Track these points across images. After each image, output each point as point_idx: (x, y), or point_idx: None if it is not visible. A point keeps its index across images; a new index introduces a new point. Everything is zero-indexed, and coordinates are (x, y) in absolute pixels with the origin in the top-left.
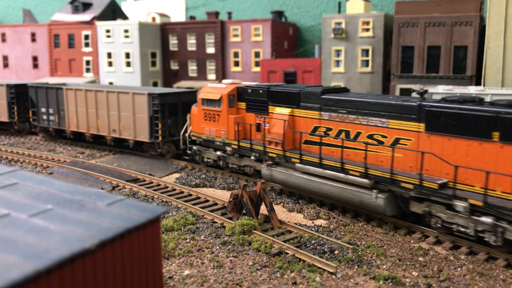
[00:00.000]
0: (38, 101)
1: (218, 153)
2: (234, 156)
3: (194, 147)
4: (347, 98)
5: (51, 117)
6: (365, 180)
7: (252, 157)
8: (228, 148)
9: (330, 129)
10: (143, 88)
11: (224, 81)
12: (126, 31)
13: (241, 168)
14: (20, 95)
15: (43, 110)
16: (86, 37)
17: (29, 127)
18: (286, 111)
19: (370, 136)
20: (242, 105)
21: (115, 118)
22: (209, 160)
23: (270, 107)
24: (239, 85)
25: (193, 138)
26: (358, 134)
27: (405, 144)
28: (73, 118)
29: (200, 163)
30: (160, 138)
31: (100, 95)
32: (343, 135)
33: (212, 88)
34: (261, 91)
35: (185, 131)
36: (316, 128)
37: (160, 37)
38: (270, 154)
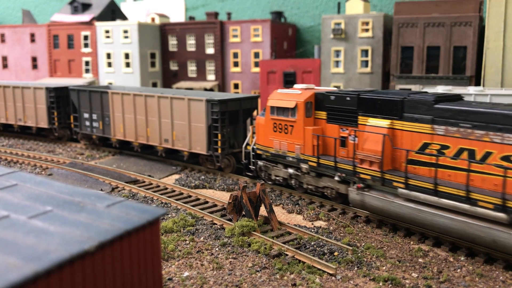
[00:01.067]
0: (80, 106)
1: (290, 170)
2: (311, 175)
3: (260, 163)
4: (473, 108)
5: (95, 124)
6: (502, 215)
7: (336, 178)
8: (304, 166)
9: (447, 147)
10: (200, 93)
11: (296, 86)
12: (125, 31)
13: (319, 190)
14: (60, 99)
15: (86, 115)
16: (86, 37)
17: (69, 134)
18: (384, 123)
19: (506, 158)
20: (322, 114)
21: (168, 126)
22: (277, 178)
23: (360, 117)
24: (318, 90)
25: (259, 152)
26: (488, 154)
27: None
28: (119, 126)
29: (266, 181)
30: (219, 151)
31: (151, 100)
32: (465, 155)
33: (284, 94)
34: (348, 98)
35: (248, 143)
36: (426, 145)
37: (160, 38)
38: (362, 175)
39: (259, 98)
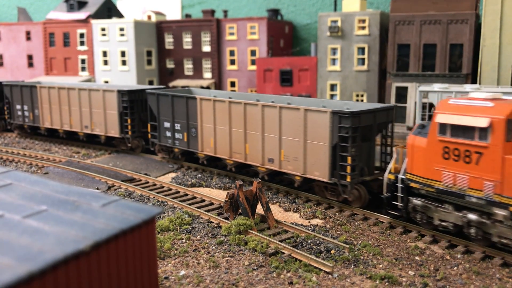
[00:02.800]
0: (160, 113)
1: (472, 216)
2: (508, 224)
3: (415, 201)
4: None
5: (178, 135)
6: None
7: None
8: (500, 212)
9: None
10: (317, 101)
11: (475, 94)
12: (121, 29)
13: None
14: (134, 103)
15: (167, 124)
16: (82, 35)
17: (144, 144)
18: None
19: None
20: None
21: (274, 143)
22: (444, 223)
23: None
24: None
25: (413, 185)
26: None
27: None
28: (208, 139)
29: (423, 225)
30: (348, 179)
31: (253, 109)
32: None
33: (465, 107)
34: None
35: (391, 170)
36: None
37: (156, 36)
38: None
39: (393, 109)
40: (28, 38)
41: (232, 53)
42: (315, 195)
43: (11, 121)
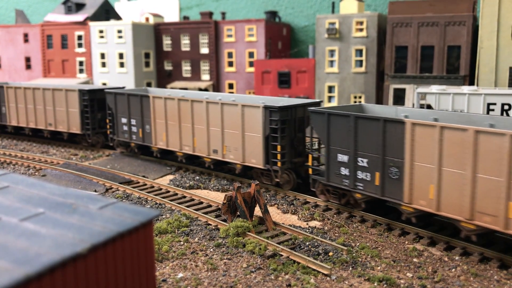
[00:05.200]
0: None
1: None
2: None
3: None
4: None
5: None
6: None
7: None
8: None
9: None
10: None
11: None
12: (119, 31)
13: None
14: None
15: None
16: (79, 37)
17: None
18: None
19: None
20: None
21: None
22: None
23: None
24: None
25: None
26: None
27: None
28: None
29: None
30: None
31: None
32: None
33: None
34: None
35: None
36: None
37: (154, 38)
38: None
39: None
40: (26, 40)
41: (230, 55)
42: (313, 197)
43: None
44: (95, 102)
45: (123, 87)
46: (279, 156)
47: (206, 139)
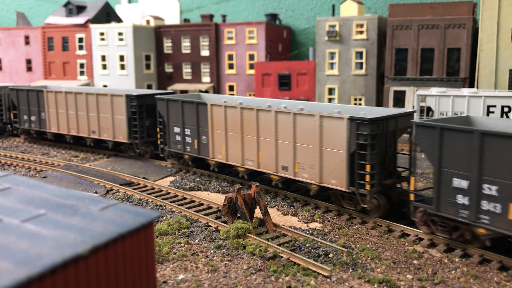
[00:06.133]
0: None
1: None
2: None
3: None
4: None
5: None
6: None
7: None
8: None
9: None
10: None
11: None
12: (120, 34)
13: None
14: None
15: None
16: (80, 40)
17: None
18: None
19: None
20: None
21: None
22: None
23: None
24: None
25: None
26: None
27: None
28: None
29: None
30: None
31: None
32: None
33: None
34: None
35: None
36: None
37: (155, 40)
38: None
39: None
40: (27, 43)
41: (230, 57)
42: (313, 199)
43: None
44: (144, 109)
45: (172, 92)
46: (367, 178)
47: (274, 154)
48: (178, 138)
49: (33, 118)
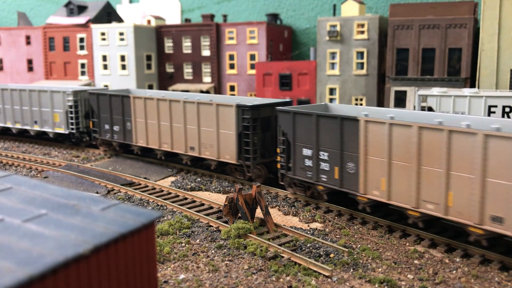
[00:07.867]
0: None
1: None
2: None
3: None
4: None
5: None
6: None
7: None
8: None
9: None
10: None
11: None
12: (121, 34)
13: None
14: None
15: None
16: (81, 40)
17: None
18: None
19: None
20: None
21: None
22: None
23: None
24: None
25: None
26: None
27: None
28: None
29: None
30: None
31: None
32: None
33: None
34: None
35: None
36: None
37: (156, 40)
38: None
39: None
40: (28, 43)
41: (231, 57)
42: (314, 199)
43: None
44: (259, 122)
45: (288, 102)
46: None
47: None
48: (308, 163)
49: (116, 128)
